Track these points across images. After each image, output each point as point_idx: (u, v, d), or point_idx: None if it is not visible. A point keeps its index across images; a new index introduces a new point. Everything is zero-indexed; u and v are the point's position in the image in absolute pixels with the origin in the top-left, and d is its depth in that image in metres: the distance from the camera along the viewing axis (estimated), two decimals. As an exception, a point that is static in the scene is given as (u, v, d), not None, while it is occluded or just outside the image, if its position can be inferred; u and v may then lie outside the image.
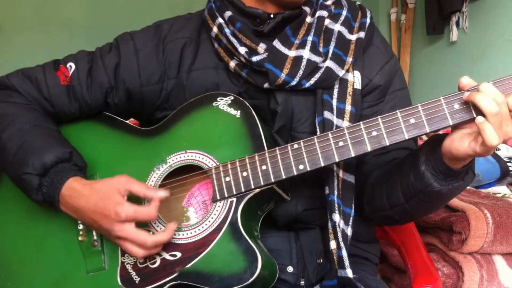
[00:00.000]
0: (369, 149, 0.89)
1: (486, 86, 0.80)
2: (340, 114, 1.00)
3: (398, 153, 1.06)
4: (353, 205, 1.01)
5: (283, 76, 0.98)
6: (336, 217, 0.97)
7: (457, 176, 0.89)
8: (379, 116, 0.88)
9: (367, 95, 1.07)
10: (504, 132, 0.80)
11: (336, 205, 0.98)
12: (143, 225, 0.97)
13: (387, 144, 0.88)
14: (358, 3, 1.11)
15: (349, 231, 0.99)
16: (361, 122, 0.89)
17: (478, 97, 0.80)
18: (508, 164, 1.71)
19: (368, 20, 1.07)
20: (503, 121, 0.80)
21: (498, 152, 1.74)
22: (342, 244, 0.96)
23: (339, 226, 0.97)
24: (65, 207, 0.97)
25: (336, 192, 0.98)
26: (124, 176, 0.95)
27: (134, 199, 0.95)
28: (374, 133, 0.88)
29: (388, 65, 1.09)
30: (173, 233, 0.94)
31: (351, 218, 1.00)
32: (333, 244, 0.97)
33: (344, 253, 0.96)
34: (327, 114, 0.99)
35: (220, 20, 1.04)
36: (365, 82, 1.06)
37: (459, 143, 0.84)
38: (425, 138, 1.60)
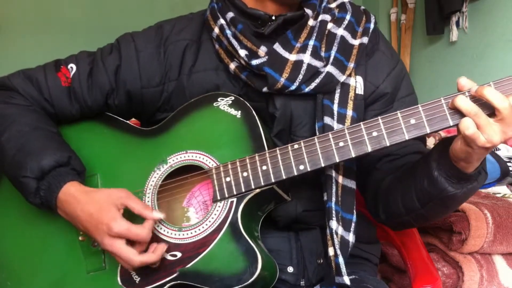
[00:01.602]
0: (369, 149, 0.88)
1: (488, 89, 0.81)
2: (341, 119, 1.00)
3: (410, 158, 1.05)
4: (354, 211, 1.01)
5: (282, 80, 0.98)
6: (334, 224, 0.97)
7: (470, 178, 0.89)
8: (379, 117, 0.88)
9: (374, 102, 1.06)
10: (504, 131, 0.81)
11: (333, 212, 0.97)
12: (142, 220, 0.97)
13: (388, 144, 0.88)
14: (362, 7, 1.10)
15: (350, 237, 0.99)
16: (361, 123, 0.89)
17: (456, 100, 0.82)
18: (508, 164, 1.71)
19: (372, 26, 1.07)
20: (506, 122, 0.80)
21: (498, 152, 1.74)
22: (339, 252, 0.96)
23: (336, 233, 0.97)
24: (62, 211, 0.98)
25: (334, 199, 0.98)
26: (124, 191, 0.96)
27: (132, 213, 0.95)
28: (375, 134, 0.88)
29: (395, 71, 1.08)
30: (161, 255, 0.94)
31: (353, 224, 1.00)
32: (331, 251, 0.97)
33: (341, 260, 0.96)
34: (327, 120, 0.99)
35: (222, 21, 1.04)
36: (371, 89, 1.06)
37: (456, 143, 0.85)
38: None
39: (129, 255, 0.91)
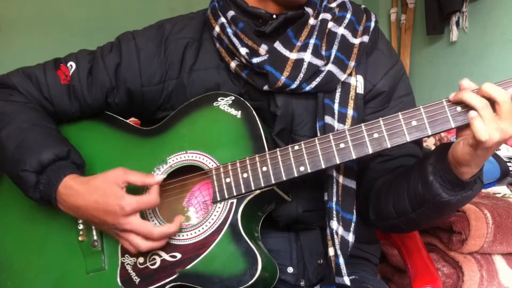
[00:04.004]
0: (370, 151, 0.88)
1: (487, 84, 0.81)
2: (342, 119, 1.00)
3: (404, 160, 1.05)
4: (354, 211, 1.01)
5: (283, 78, 0.98)
6: (334, 224, 0.97)
7: (466, 185, 0.88)
8: (380, 118, 0.88)
9: (371, 100, 1.07)
10: (504, 128, 0.80)
11: (334, 212, 0.97)
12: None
13: (389, 146, 0.87)
14: (363, 6, 1.10)
15: (350, 237, 0.99)
16: (362, 124, 0.89)
17: (463, 94, 0.82)
18: (508, 164, 1.70)
19: (372, 24, 1.07)
20: (505, 118, 0.80)
21: (498, 152, 1.74)
22: (339, 252, 0.96)
23: (337, 234, 0.96)
24: (63, 205, 0.97)
25: (335, 199, 0.98)
26: (120, 169, 0.95)
27: (131, 190, 0.95)
28: (376, 135, 0.88)
29: (393, 70, 1.08)
30: (179, 226, 0.95)
31: (353, 224, 1.00)
32: (331, 251, 0.97)
33: (341, 260, 0.95)
34: (328, 119, 0.99)
35: (223, 19, 1.04)
36: (368, 87, 1.06)
37: (457, 145, 0.85)
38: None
39: (148, 228, 0.92)
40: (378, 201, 1.04)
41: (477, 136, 0.79)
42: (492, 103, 0.81)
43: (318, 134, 0.98)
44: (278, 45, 1.00)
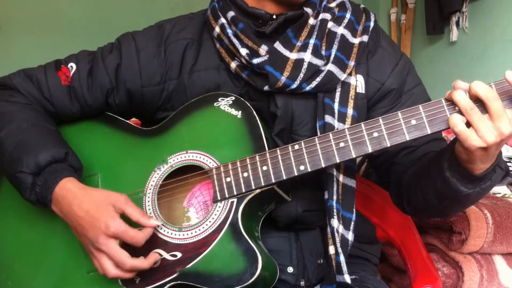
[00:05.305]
0: (370, 150, 0.89)
1: (476, 82, 0.81)
2: (342, 118, 1.00)
3: (428, 147, 1.05)
4: (354, 210, 1.01)
5: (283, 79, 0.98)
6: (335, 222, 0.97)
7: (482, 178, 0.88)
8: (380, 117, 0.88)
9: (381, 100, 1.07)
10: (497, 127, 0.80)
11: (334, 210, 0.97)
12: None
13: (388, 145, 0.88)
14: (362, 6, 1.10)
15: (350, 236, 0.99)
16: (362, 123, 0.89)
17: (454, 93, 0.83)
18: (508, 164, 1.70)
19: (372, 24, 1.07)
20: (496, 117, 0.80)
21: (497, 152, 1.73)
22: (340, 250, 0.96)
23: (337, 232, 0.97)
24: (56, 207, 0.97)
25: (335, 197, 0.98)
26: (124, 196, 0.95)
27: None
28: (375, 134, 0.88)
29: (399, 66, 1.08)
30: (153, 264, 0.94)
31: (352, 222, 1.00)
32: (331, 249, 0.97)
33: (342, 258, 0.96)
34: (328, 118, 0.99)
35: (223, 20, 1.04)
36: (377, 86, 1.06)
37: (456, 144, 0.85)
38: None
39: (122, 257, 0.91)
40: (409, 194, 1.05)
41: (452, 130, 0.81)
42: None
43: (318, 134, 0.98)
44: (278, 45, 1.00)
